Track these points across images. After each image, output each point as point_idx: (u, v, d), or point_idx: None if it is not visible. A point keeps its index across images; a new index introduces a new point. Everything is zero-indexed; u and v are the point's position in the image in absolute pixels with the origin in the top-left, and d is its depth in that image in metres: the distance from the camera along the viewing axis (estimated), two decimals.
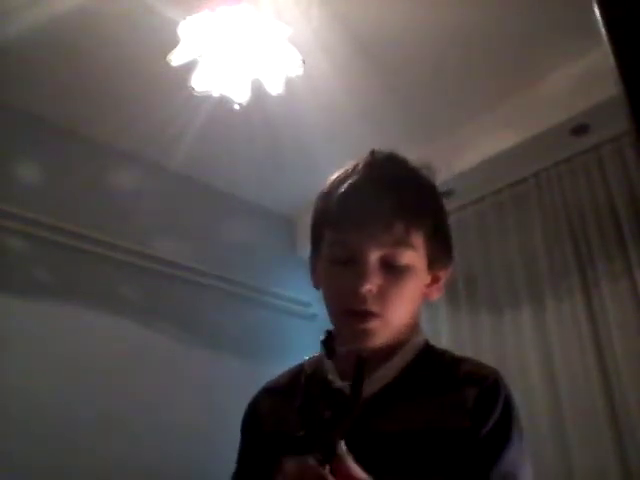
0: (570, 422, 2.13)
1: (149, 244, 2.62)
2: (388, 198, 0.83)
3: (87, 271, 2.41)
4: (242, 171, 2.85)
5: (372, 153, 0.90)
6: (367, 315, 0.81)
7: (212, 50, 1.81)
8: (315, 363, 0.91)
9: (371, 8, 2.03)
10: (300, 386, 0.88)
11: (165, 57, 1.79)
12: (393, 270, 0.83)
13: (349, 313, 0.82)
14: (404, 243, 0.83)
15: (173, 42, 1.77)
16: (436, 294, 0.91)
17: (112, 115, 2.45)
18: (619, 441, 2.02)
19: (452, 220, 3.15)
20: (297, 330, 2.88)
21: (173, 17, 1.88)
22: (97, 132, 2.54)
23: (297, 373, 0.94)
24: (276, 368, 1.02)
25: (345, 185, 0.86)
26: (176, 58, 1.80)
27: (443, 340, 2.60)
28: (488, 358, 2.44)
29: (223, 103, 1.96)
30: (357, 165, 0.89)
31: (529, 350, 2.33)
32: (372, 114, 2.49)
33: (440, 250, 0.89)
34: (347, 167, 0.90)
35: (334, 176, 0.91)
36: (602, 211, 2.27)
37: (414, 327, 0.90)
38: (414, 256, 0.84)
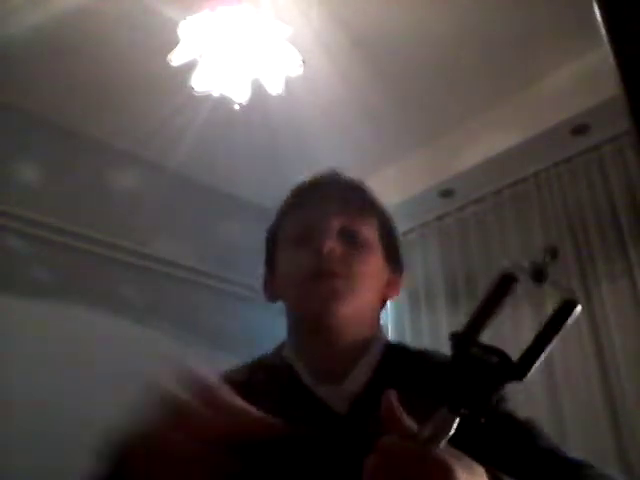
0: (570, 421, 2.13)
1: (149, 244, 2.62)
2: (344, 182, 0.91)
3: (87, 271, 2.41)
4: (242, 171, 2.85)
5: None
6: (332, 275, 0.81)
7: (212, 50, 1.82)
8: (279, 361, 0.90)
9: (371, 9, 2.03)
10: (262, 385, 0.82)
11: (165, 57, 1.79)
12: (353, 241, 0.85)
13: (315, 275, 0.82)
14: (360, 216, 0.87)
15: (173, 42, 1.78)
16: (394, 294, 0.92)
17: (112, 115, 2.45)
18: (619, 440, 2.01)
19: (452, 220, 3.15)
20: None
21: (173, 17, 1.88)
22: (97, 132, 2.54)
23: (255, 370, 0.89)
24: None
25: (300, 183, 0.92)
26: (176, 58, 1.80)
27: (443, 340, 2.60)
28: None
29: (223, 103, 1.96)
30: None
31: None
32: (372, 114, 2.49)
33: (394, 250, 0.92)
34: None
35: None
36: (602, 211, 2.27)
37: (378, 327, 0.90)
38: (371, 233, 0.88)
